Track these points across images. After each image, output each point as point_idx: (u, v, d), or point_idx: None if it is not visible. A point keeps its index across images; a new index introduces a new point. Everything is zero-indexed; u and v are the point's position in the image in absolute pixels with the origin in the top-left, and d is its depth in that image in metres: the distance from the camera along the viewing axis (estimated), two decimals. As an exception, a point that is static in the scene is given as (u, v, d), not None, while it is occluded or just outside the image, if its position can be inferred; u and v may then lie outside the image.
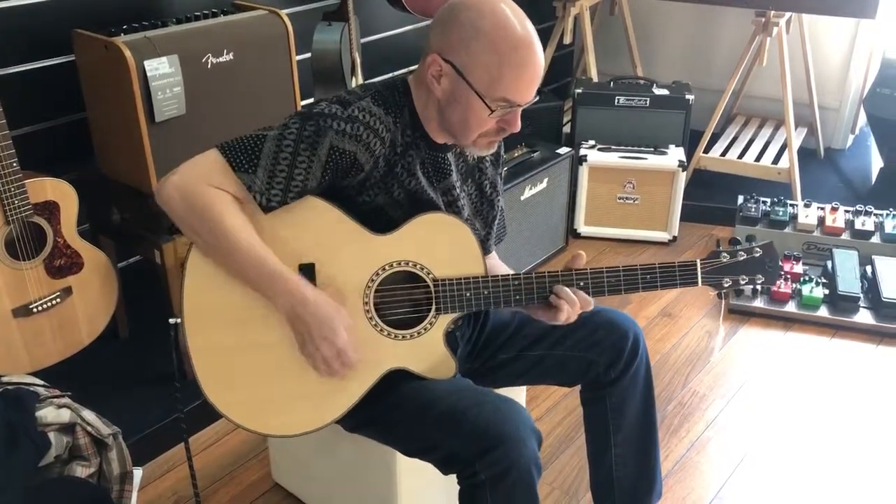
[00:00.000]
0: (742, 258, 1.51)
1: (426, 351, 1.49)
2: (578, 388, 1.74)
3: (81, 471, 1.70)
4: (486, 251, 1.69)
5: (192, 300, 1.42)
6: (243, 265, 1.37)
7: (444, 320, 1.49)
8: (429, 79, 1.40)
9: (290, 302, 1.37)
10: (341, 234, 1.43)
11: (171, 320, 1.46)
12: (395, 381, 1.48)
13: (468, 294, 1.47)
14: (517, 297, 1.48)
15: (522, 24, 1.35)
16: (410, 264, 1.46)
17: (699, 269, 1.51)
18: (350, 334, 1.40)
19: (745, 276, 1.52)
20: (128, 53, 1.99)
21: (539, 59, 1.36)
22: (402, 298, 1.49)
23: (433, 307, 1.47)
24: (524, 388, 1.97)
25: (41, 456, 1.64)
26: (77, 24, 2.14)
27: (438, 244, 1.46)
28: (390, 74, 3.24)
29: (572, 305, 1.46)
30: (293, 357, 1.44)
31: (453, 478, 1.44)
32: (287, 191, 1.37)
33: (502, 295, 1.48)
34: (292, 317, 1.39)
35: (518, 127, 1.41)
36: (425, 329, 1.48)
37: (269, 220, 1.39)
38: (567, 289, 1.46)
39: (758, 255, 1.51)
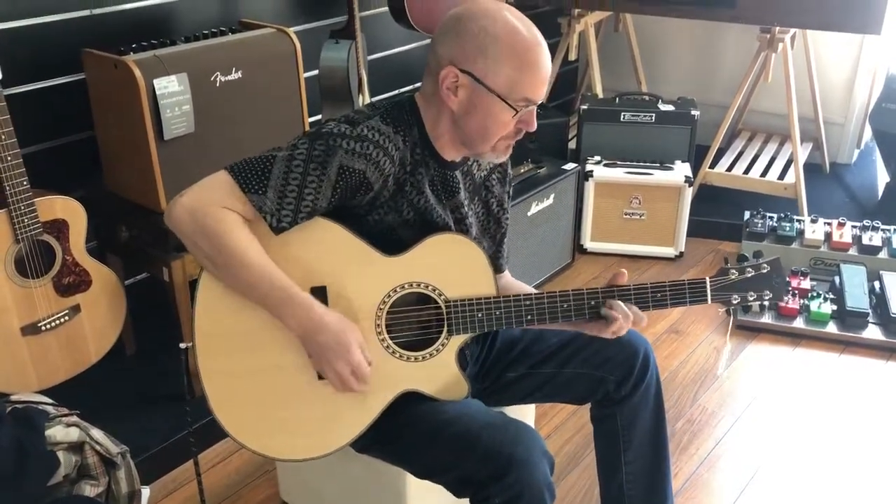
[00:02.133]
0: (750, 275, 1.52)
1: (438, 372, 1.48)
2: (587, 405, 1.73)
3: (90, 490, 1.69)
4: (497, 270, 1.69)
5: (203, 322, 1.41)
6: (253, 285, 1.37)
7: (456, 341, 1.48)
8: (444, 92, 1.41)
9: (301, 324, 1.37)
10: (353, 256, 1.42)
11: (182, 345, 1.45)
12: (406, 402, 1.48)
13: (480, 315, 1.47)
14: (528, 317, 1.48)
15: (528, 27, 1.40)
16: (422, 286, 1.45)
17: (709, 287, 1.51)
18: (362, 349, 1.41)
19: (753, 293, 1.52)
20: (137, 72, 2.00)
21: (548, 55, 1.42)
22: (413, 320, 1.48)
23: (445, 328, 1.47)
24: (533, 406, 1.96)
25: (50, 475, 1.64)
26: (87, 44, 2.16)
27: (450, 265, 1.46)
28: (396, 91, 3.27)
29: (626, 320, 1.47)
30: (304, 381, 1.44)
31: (464, 500, 1.43)
32: (297, 211, 1.37)
33: (514, 315, 1.48)
34: (305, 338, 1.39)
35: (535, 125, 1.45)
36: (437, 350, 1.48)
37: (281, 243, 1.39)
38: (621, 303, 1.48)
39: (765, 271, 1.52)
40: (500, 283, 1.69)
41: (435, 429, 1.43)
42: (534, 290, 1.60)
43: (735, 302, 1.53)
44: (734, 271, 1.52)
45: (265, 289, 1.36)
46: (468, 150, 1.50)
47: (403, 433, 1.48)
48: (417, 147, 1.46)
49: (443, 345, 1.48)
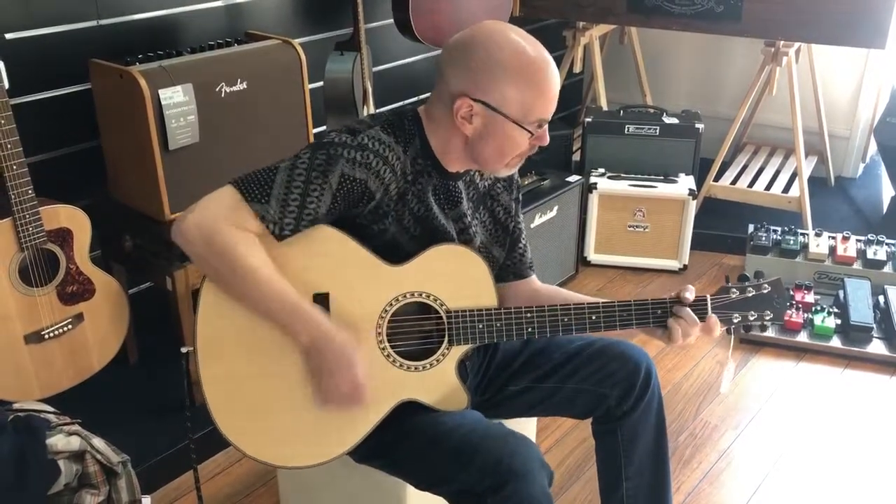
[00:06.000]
0: (751, 294, 1.51)
1: (438, 383, 1.48)
2: (589, 420, 1.73)
3: (91, 499, 1.69)
4: (519, 276, 1.68)
5: (204, 329, 1.42)
6: (263, 301, 1.38)
7: (457, 352, 1.48)
8: (458, 121, 1.43)
9: (311, 337, 1.38)
10: (356, 264, 1.43)
11: (183, 349, 1.45)
12: (406, 413, 1.48)
13: (480, 326, 1.47)
14: (529, 329, 1.48)
15: (535, 47, 1.41)
16: (423, 295, 1.46)
17: (709, 305, 1.51)
18: (365, 370, 1.40)
19: (753, 312, 1.52)
20: (142, 82, 2.01)
21: (557, 72, 1.43)
22: (414, 329, 1.48)
23: (445, 339, 1.47)
24: (534, 418, 1.95)
25: (51, 484, 1.64)
26: (93, 54, 2.17)
27: (452, 275, 1.46)
28: (401, 103, 3.28)
29: (692, 326, 1.48)
30: (304, 389, 1.44)
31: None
32: (300, 219, 1.38)
33: (515, 327, 1.48)
34: (312, 351, 1.39)
35: (548, 139, 1.47)
36: (437, 360, 1.48)
37: (285, 251, 1.39)
38: (688, 310, 1.48)
39: (766, 291, 1.51)
40: (531, 288, 1.68)
41: (433, 440, 1.43)
42: (585, 298, 1.58)
43: (736, 321, 1.52)
44: (735, 290, 1.52)
45: (275, 304, 1.37)
46: (479, 167, 1.52)
47: (402, 444, 1.47)
48: (419, 157, 1.47)
49: (443, 355, 1.48)
